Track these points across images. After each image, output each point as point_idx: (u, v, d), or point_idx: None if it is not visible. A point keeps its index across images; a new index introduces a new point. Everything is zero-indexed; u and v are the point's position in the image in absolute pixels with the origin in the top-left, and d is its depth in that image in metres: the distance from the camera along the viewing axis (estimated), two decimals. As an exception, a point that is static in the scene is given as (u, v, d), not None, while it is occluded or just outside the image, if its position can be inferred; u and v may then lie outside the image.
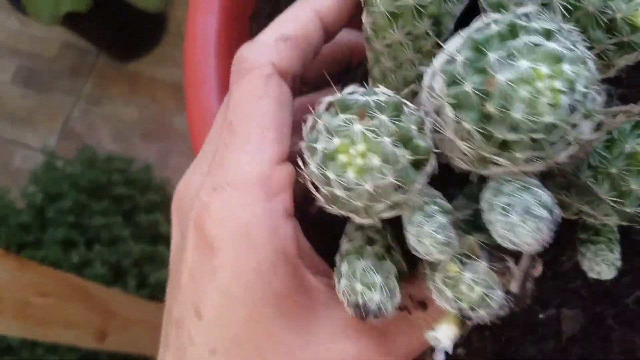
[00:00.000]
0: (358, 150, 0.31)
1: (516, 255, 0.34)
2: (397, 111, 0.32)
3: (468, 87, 0.29)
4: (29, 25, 1.79)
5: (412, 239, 0.32)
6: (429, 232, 0.32)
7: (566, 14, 0.33)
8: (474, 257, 0.33)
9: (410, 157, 0.32)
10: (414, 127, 0.32)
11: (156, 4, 1.65)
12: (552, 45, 0.29)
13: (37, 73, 2.05)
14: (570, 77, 0.28)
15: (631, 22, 0.33)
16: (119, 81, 2.00)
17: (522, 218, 0.30)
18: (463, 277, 0.33)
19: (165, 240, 1.62)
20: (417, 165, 0.33)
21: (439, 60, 0.32)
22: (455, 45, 0.31)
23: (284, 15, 0.41)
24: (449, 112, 0.30)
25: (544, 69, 0.28)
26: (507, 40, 0.29)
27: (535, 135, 0.29)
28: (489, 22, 0.30)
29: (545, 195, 0.30)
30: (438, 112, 0.32)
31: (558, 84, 0.28)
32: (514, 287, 0.34)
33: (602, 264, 0.38)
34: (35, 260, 1.51)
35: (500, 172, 0.32)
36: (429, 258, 0.32)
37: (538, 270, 0.36)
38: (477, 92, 0.29)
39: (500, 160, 0.31)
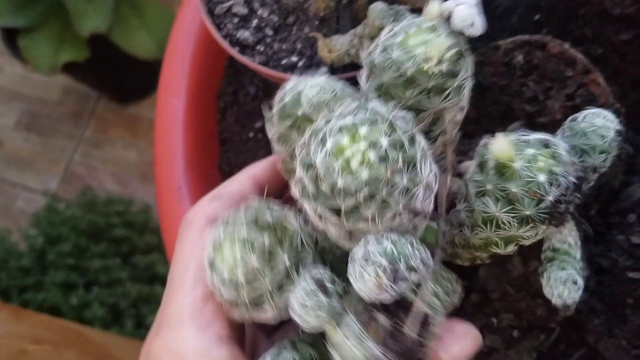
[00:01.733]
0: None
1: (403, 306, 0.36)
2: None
3: (306, 181, 0.35)
4: (31, 70, 1.83)
5: (290, 312, 0.36)
6: (299, 299, 0.36)
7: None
8: (345, 315, 0.36)
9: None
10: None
11: (152, 52, 1.68)
12: (348, 120, 0.34)
13: (39, 117, 2.09)
14: (369, 136, 0.33)
15: (424, 71, 0.38)
16: (119, 125, 2.04)
17: (361, 267, 0.33)
18: (338, 337, 0.35)
19: (162, 280, 1.64)
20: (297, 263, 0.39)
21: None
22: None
23: (225, 182, 0.49)
24: (309, 213, 0.36)
25: (345, 140, 0.34)
26: (319, 131, 0.35)
27: (364, 192, 0.33)
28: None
29: (393, 247, 0.34)
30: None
31: (362, 146, 0.33)
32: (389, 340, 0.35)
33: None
34: (36, 302, 1.54)
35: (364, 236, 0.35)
36: (310, 327, 0.36)
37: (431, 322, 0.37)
38: (311, 185, 0.35)
39: (355, 228, 0.35)
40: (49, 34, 1.68)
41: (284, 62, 0.57)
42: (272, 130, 0.43)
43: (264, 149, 0.69)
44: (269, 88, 0.72)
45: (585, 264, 0.45)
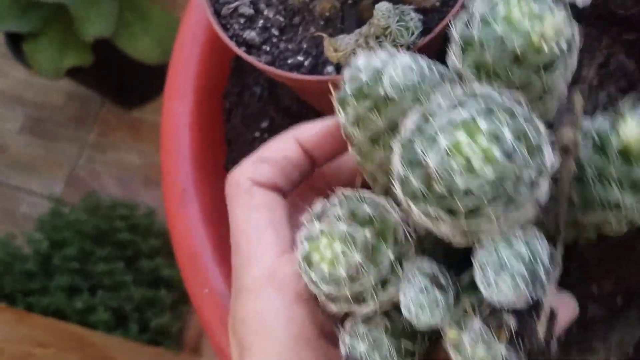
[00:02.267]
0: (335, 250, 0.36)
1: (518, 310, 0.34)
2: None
3: (414, 181, 0.31)
4: (36, 75, 1.84)
5: (403, 310, 0.35)
6: (413, 297, 0.34)
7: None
8: (470, 318, 0.34)
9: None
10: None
11: (155, 57, 1.69)
12: (462, 112, 0.30)
13: (43, 122, 2.10)
14: (490, 129, 0.29)
15: (537, 48, 0.33)
16: (123, 129, 2.05)
17: (496, 275, 0.31)
18: (462, 340, 0.34)
19: (166, 284, 1.64)
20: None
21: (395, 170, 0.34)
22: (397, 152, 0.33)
23: (267, 142, 0.48)
24: (415, 213, 0.33)
25: (462, 136, 0.30)
26: (424, 128, 0.31)
27: (490, 193, 0.30)
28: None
29: (526, 248, 0.31)
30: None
31: (483, 141, 0.29)
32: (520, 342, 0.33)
33: None
34: (41, 307, 1.54)
35: (486, 234, 0.33)
36: (423, 325, 0.34)
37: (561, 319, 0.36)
38: (421, 186, 0.31)
39: (476, 228, 0.32)
40: (52, 39, 1.68)
41: (290, 61, 0.58)
42: (344, 113, 0.39)
43: (269, 149, 0.69)
44: (275, 88, 0.72)
45: None
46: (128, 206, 1.76)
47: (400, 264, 0.37)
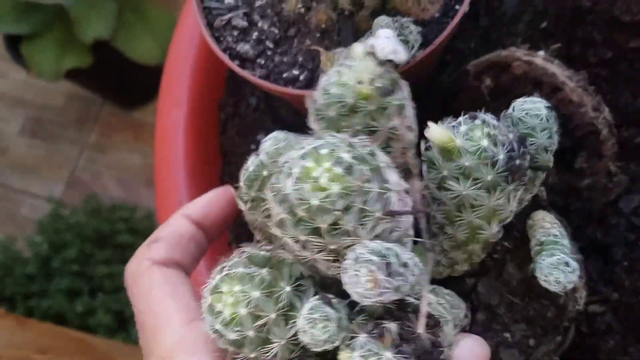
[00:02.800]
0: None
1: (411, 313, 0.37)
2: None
3: (284, 215, 0.36)
4: (36, 76, 1.84)
5: (300, 335, 0.36)
6: (305, 315, 0.35)
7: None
8: (356, 337, 0.35)
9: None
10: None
11: (155, 58, 1.68)
12: (308, 148, 0.36)
13: (44, 123, 2.09)
14: (332, 155, 0.35)
15: (364, 96, 0.41)
16: (123, 129, 2.04)
17: (353, 269, 0.34)
18: (353, 358, 0.35)
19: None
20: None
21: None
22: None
23: (158, 227, 0.48)
24: (289, 243, 0.37)
25: (309, 163, 0.35)
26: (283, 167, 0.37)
27: (340, 205, 0.34)
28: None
29: (381, 246, 0.34)
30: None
31: (327, 165, 0.35)
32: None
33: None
34: (41, 310, 1.54)
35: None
36: (318, 343, 0.35)
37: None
38: (287, 215, 0.36)
39: (338, 242, 0.35)
40: (52, 41, 1.67)
41: (285, 75, 0.56)
42: (244, 204, 0.45)
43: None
44: (271, 100, 0.71)
45: (576, 249, 0.48)
46: (128, 208, 1.75)
47: (300, 300, 0.39)
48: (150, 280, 0.44)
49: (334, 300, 0.36)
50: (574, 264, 0.42)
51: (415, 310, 0.37)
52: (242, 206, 0.46)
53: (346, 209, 0.35)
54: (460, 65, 0.63)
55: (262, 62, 0.57)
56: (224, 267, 0.40)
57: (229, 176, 0.70)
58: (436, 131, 0.40)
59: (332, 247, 0.36)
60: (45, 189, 2.01)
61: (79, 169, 2.02)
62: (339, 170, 0.35)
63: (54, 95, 2.10)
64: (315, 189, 0.35)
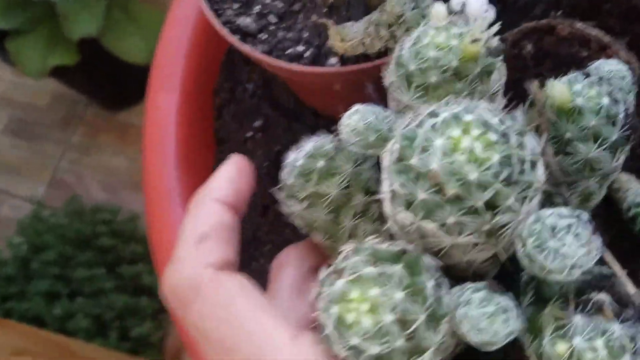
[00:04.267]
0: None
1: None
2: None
3: (424, 195, 0.31)
4: (21, 75, 1.81)
5: (468, 334, 0.31)
6: (483, 317, 0.31)
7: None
8: (558, 323, 0.31)
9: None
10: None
11: (144, 58, 1.67)
12: (444, 115, 0.32)
13: (27, 123, 2.07)
14: (478, 120, 0.31)
15: (470, 58, 0.36)
16: (109, 131, 2.01)
17: (554, 239, 0.29)
18: (577, 347, 0.30)
19: (148, 291, 1.61)
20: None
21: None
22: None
23: (191, 217, 0.41)
24: (430, 231, 0.32)
25: (455, 132, 0.31)
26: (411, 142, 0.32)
27: (503, 175, 0.30)
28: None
29: (563, 209, 0.31)
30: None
31: (476, 132, 0.31)
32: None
33: None
34: (19, 312, 1.51)
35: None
36: (500, 338, 0.30)
37: None
38: (432, 195, 0.31)
39: (501, 219, 0.31)
40: (38, 38, 1.66)
41: (289, 51, 0.53)
42: (298, 203, 0.40)
43: (262, 148, 0.65)
44: (270, 85, 0.68)
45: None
46: (111, 210, 1.73)
47: (441, 295, 0.33)
48: (226, 291, 0.37)
49: (497, 288, 0.32)
50: None
51: (603, 275, 0.33)
52: (297, 206, 0.40)
53: (506, 181, 0.31)
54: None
55: (265, 37, 0.54)
56: (340, 269, 0.34)
57: (224, 163, 0.67)
58: (558, 89, 0.36)
59: (485, 227, 0.31)
60: (27, 190, 1.98)
61: (61, 170, 2.00)
62: (493, 136, 0.31)
63: (39, 95, 2.07)
64: (472, 160, 0.30)
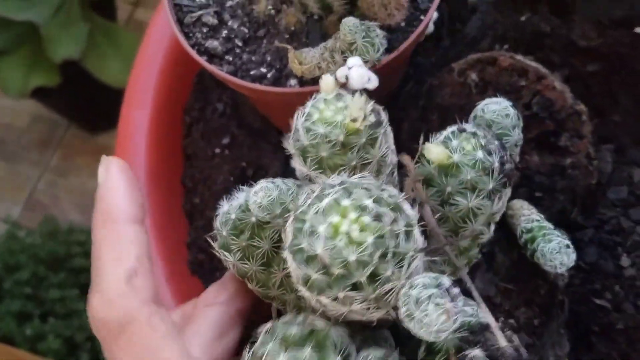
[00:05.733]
0: None
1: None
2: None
3: (315, 275, 0.35)
4: (1, 95, 1.82)
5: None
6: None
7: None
8: None
9: None
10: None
11: (123, 80, 1.65)
12: (326, 201, 0.35)
13: (6, 144, 2.06)
14: (354, 205, 0.35)
15: (355, 132, 0.40)
16: (86, 153, 2.02)
17: (421, 310, 0.33)
18: None
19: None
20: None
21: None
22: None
23: (109, 247, 0.41)
24: (327, 304, 0.36)
25: (335, 218, 0.35)
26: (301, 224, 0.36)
27: (378, 254, 0.34)
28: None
29: (427, 278, 0.34)
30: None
31: (353, 215, 0.34)
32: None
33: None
34: (-11, 332, 1.50)
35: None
36: None
37: None
38: (321, 276, 0.35)
39: (381, 290, 0.35)
40: (20, 58, 1.66)
41: (252, 72, 0.56)
42: (231, 255, 0.44)
43: (229, 164, 0.68)
44: (238, 105, 0.71)
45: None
46: (85, 231, 1.72)
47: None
48: (157, 335, 0.39)
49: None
50: (571, 245, 0.46)
51: (479, 327, 0.37)
52: (229, 257, 0.44)
53: (383, 256, 0.34)
54: (422, 79, 0.64)
55: (230, 58, 0.57)
56: (258, 357, 0.38)
57: (191, 179, 0.69)
58: (435, 150, 0.41)
59: (371, 296, 0.35)
60: (2, 210, 1.97)
61: (38, 191, 2.00)
62: (367, 219, 0.34)
63: (19, 116, 2.08)
64: (350, 243, 0.34)
